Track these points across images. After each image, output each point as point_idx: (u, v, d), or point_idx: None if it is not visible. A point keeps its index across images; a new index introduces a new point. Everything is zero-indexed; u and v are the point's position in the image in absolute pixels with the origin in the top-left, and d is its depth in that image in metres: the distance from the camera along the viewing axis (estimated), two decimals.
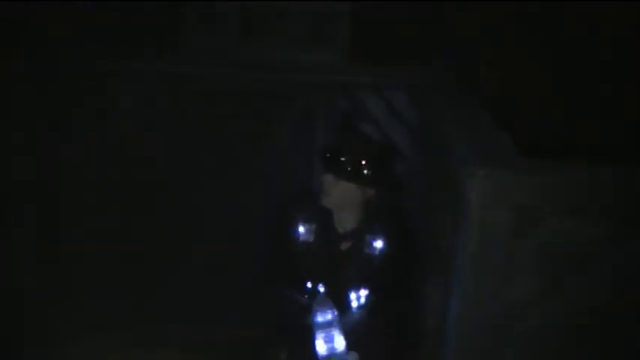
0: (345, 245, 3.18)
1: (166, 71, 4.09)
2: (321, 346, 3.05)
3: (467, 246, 2.62)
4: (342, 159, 3.04)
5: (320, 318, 3.05)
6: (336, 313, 3.06)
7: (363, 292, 3.18)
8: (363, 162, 3.05)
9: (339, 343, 3.05)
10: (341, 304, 3.13)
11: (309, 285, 3.18)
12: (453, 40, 3.93)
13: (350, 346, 3.07)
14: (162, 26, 4.17)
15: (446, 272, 2.86)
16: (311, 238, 3.16)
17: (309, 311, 3.09)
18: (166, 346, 3.99)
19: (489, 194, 2.54)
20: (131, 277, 4.24)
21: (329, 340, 3.05)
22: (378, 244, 3.15)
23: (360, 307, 3.18)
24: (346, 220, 3.16)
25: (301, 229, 3.17)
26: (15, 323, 3.90)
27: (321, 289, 3.16)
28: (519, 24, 3.76)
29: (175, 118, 4.20)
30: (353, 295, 3.17)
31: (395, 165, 3.33)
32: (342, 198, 3.08)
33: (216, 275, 4.22)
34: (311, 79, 4.00)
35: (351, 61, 4.03)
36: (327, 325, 3.05)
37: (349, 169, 3.03)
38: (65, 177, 4.19)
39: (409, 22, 3.99)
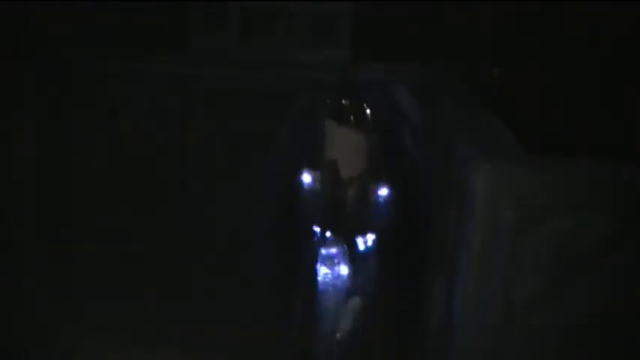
0: (350, 192, 3.22)
1: (169, 71, 4.11)
2: (323, 276, 3.12)
3: (471, 245, 2.63)
4: (345, 106, 3.15)
5: (326, 255, 3.13)
6: (341, 251, 3.13)
7: (371, 237, 3.23)
8: (366, 109, 3.15)
9: (343, 272, 3.12)
10: (349, 249, 3.19)
11: (317, 231, 3.24)
12: (457, 40, 3.93)
13: (353, 286, 3.13)
14: (165, 27, 4.16)
15: (449, 272, 2.87)
16: (317, 186, 3.24)
17: (317, 253, 3.16)
18: (166, 346, 3.98)
19: (494, 188, 2.55)
20: (132, 277, 4.23)
21: (332, 271, 3.11)
22: (383, 190, 3.22)
23: (367, 251, 3.22)
24: (351, 167, 3.21)
25: (307, 176, 3.25)
26: (16, 323, 3.90)
27: (329, 234, 3.22)
28: (519, 24, 3.76)
29: (178, 118, 4.20)
30: (360, 240, 3.22)
31: (396, 113, 3.39)
32: (346, 145, 3.16)
33: (220, 274, 4.21)
34: (313, 77, 4.00)
35: (353, 60, 4.04)
36: (332, 259, 3.12)
37: (352, 116, 3.13)
38: (69, 177, 4.19)
39: (410, 21, 3.99)
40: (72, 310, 4.08)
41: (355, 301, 3.17)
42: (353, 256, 3.18)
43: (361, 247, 3.20)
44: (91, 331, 4.02)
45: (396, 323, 3.31)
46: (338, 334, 3.21)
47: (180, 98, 4.19)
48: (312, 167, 3.23)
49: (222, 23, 4.19)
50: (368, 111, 3.17)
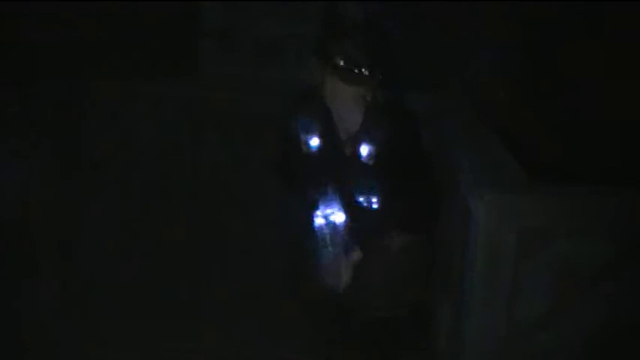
0: (348, 149, 3.07)
1: (182, 95, 4.17)
2: (320, 225, 3.07)
3: (475, 267, 2.70)
4: (341, 60, 2.92)
5: (324, 208, 3.06)
6: (340, 204, 3.04)
7: (372, 196, 3.06)
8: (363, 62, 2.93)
9: (339, 220, 3.04)
10: (350, 207, 3.07)
11: (317, 187, 3.10)
12: (464, 63, 3.95)
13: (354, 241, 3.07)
14: (177, 50, 4.23)
15: (456, 292, 2.94)
16: (315, 142, 3.08)
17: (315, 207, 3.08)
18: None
19: (496, 218, 2.63)
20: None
21: (329, 221, 3.05)
22: (381, 145, 3.02)
23: (368, 209, 3.07)
24: (349, 123, 3.05)
25: (305, 132, 3.09)
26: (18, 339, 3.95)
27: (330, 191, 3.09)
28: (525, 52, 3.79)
29: (189, 142, 4.27)
30: (362, 198, 3.07)
31: (395, 66, 3.23)
32: (343, 99, 3.00)
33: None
34: None
35: None
36: (330, 211, 3.05)
37: (348, 69, 2.92)
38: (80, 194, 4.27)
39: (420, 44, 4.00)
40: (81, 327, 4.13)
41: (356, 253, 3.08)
42: (354, 217, 3.08)
43: (364, 205, 3.07)
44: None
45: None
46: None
47: (194, 122, 4.25)
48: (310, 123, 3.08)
49: (231, 47, 4.24)
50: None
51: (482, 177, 2.79)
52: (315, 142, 3.07)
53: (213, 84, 4.24)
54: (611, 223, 2.67)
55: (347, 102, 2.99)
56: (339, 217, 3.06)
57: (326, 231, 3.07)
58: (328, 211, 3.07)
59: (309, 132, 3.07)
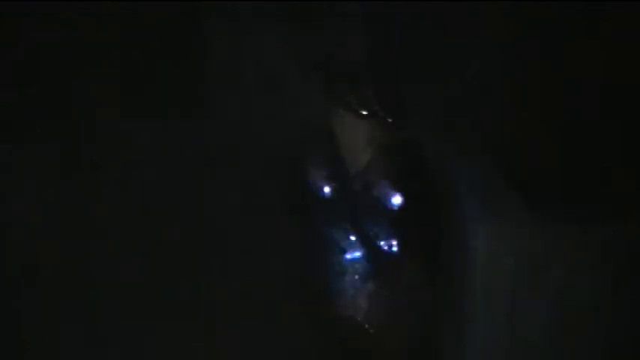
0: (357, 187, 3.09)
1: (188, 136, 4.15)
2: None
3: (474, 295, 2.73)
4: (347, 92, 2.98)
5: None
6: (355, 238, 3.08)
7: (384, 228, 3.08)
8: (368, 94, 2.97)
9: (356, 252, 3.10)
10: (364, 241, 3.10)
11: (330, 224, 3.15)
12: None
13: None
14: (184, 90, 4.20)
15: (457, 320, 2.97)
16: (325, 185, 3.12)
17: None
18: None
19: (494, 250, 2.65)
20: None
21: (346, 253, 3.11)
22: (389, 185, 3.05)
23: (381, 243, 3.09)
24: (358, 159, 3.08)
25: (314, 178, 3.14)
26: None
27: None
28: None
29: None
30: (374, 232, 3.08)
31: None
32: (352, 136, 3.04)
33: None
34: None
35: None
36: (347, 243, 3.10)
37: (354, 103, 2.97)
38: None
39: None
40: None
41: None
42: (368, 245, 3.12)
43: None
44: None
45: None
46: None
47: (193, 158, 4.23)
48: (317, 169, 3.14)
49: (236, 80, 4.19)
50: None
51: (479, 204, 2.79)
52: (325, 179, 3.11)
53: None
54: (608, 251, 2.70)
55: (356, 138, 3.02)
56: (356, 248, 3.10)
57: (343, 262, 3.11)
58: (345, 244, 3.11)
59: (319, 170, 3.12)
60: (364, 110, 2.95)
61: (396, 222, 3.03)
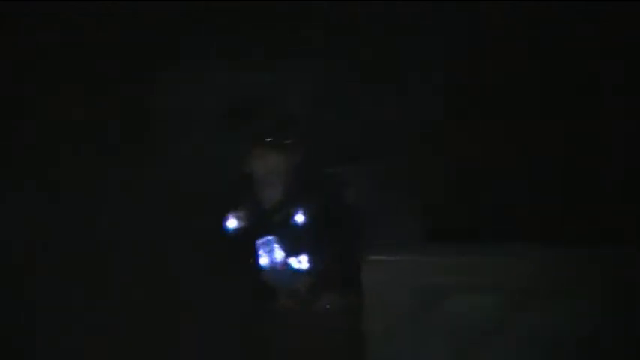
0: (276, 218, 3.23)
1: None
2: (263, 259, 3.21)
3: (372, 329, 2.57)
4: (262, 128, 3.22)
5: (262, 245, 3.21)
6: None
7: (303, 258, 3.21)
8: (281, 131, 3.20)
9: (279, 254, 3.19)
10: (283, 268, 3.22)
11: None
12: None
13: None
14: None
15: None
16: (245, 223, 3.26)
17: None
18: None
19: (386, 279, 2.56)
20: None
21: (269, 252, 3.20)
22: (303, 213, 3.19)
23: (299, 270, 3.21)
24: (273, 191, 3.23)
25: (232, 221, 3.27)
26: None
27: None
28: None
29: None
30: (293, 260, 3.21)
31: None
32: (266, 169, 3.19)
33: None
34: None
35: None
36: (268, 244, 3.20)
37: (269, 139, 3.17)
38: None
39: None
40: None
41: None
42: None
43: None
44: None
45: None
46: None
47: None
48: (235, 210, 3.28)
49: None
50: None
51: (374, 238, 2.65)
52: (244, 214, 3.25)
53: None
54: (505, 276, 2.65)
55: (270, 170, 3.19)
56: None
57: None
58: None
59: (240, 206, 3.26)
60: (279, 143, 3.16)
61: (311, 247, 3.16)
